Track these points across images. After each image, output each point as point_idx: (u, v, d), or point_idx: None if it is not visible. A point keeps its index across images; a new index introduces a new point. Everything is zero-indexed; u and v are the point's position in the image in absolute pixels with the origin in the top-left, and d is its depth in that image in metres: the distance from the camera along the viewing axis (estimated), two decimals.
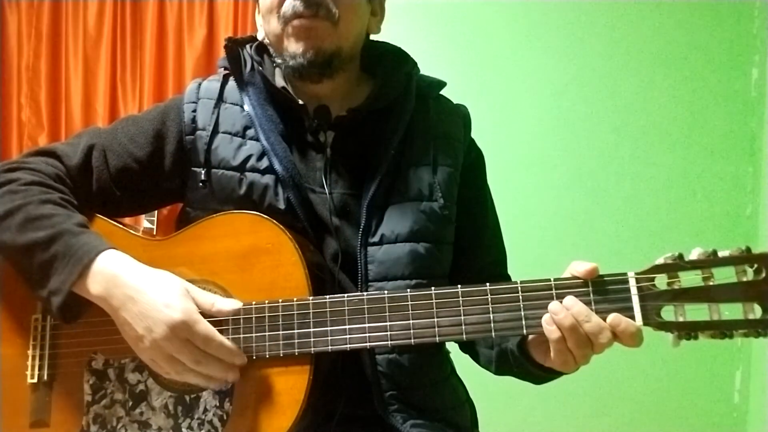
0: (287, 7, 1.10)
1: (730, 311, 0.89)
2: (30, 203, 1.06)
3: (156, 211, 2.64)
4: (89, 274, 1.00)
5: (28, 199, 1.06)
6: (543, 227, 2.53)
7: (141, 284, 0.98)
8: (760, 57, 2.42)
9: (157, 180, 1.18)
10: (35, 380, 1.08)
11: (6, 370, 1.10)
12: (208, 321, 0.99)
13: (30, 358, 1.09)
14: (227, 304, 1.01)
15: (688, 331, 0.90)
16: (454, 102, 1.29)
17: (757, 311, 0.88)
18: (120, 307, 0.99)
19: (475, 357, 1.23)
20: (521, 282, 0.97)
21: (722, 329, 0.89)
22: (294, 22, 1.10)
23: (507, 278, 1.26)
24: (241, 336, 1.01)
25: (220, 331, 1.02)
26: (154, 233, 2.62)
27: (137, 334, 0.98)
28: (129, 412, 1.05)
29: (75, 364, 1.08)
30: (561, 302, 0.94)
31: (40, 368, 1.08)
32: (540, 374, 1.06)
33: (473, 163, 1.25)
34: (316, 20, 1.10)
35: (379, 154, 1.14)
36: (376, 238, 1.11)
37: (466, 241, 1.21)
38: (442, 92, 1.28)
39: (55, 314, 1.03)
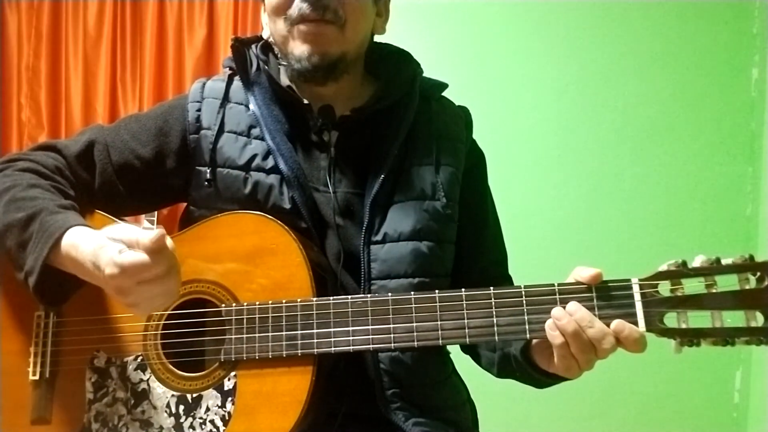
0: (294, 9, 1.10)
1: (732, 319, 0.90)
2: (17, 186, 1.06)
3: (156, 211, 2.64)
4: (60, 249, 0.97)
5: (17, 183, 1.07)
6: (543, 228, 2.53)
7: (83, 254, 0.94)
8: (760, 57, 2.42)
9: (160, 178, 1.18)
10: (37, 377, 1.08)
11: (7, 366, 1.10)
12: (208, 320, 0.99)
13: (32, 355, 1.09)
14: (148, 235, 0.90)
15: (690, 338, 0.91)
16: (456, 103, 1.29)
17: (759, 319, 0.89)
18: (87, 276, 0.96)
19: (477, 359, 1.23)
20: (525, 286, 0.97)
21: (724, 337, 0.90)
22: (301, 27, 1.11)
23: (508, 278, 1.27)
24: (244, 336, 1.02)
25: (222, 332, 1.02)
26: None
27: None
28: (131, 411, 1.06)
29: (77, 361, 1.08)
30: (564, 308, 0.94)
31: (42, 365, 1.08)
32: (543, 379, 1.07)
33: (475, 164, 1.26)
34: (323, 25, 1.10)
35: (383, 153, 1.15)
36: (379, 237, 1.12)
37: (467, 242, 1.21)
38: (443, 94, 1.28)
39: (34, 296, 1.01)
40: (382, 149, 1.15)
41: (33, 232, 1.00)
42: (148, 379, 1.06)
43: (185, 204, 1.22)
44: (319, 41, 1.11)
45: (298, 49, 1.12)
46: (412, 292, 1.01)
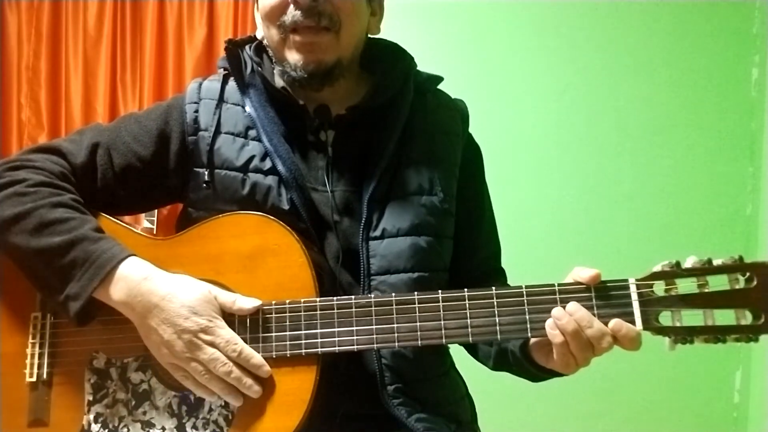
0: (288, 17, 1.10)
1: (724, 317, 0.94)
2: (42, 206, 1.05)
3: (156, 211, 2.64)
4: (112, 281, 1.01)
5: (39, 202, 1.06)
6: (542, 226, 2.53)
7: (166, 291, 1.00)
8: (760, 57, 2.42)
9: (160, 179, 1.18)
10: (34, 379, 1.08)
11: (4, 368, 1.09)
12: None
13: (29, 357, 1.08)
14: (248, 303, 1.02)
15: (684, 335, 0.94)
16: (453, 97, 1.29)
17: (748, 317, 0.93)
18: (145, 314, 1.00)
19: (473, 351, 1.24)
20: (526, 287, 0.99)
21: (715, 334, 0.94)
22: (296, 37, 1.11)
23: (501, 271, 1.29)
24: (248, 336, 1.02)
25: None
26: (155, 232, 2.63)
27: (163, 340, 0.99)
28: (132, 412, 1.05)
29: (75, 362, 1.08)
30: (564, 308, 0.96)
31: (39, 367, 1.08)
32: (539, 374, 1.08)
33: (471, 157, 1.26)
34: (318, 34, 1.11)
35: (379, 150, 1.15)
36: (377, 233, 1.12)
37: (463, 236, 1.22)
38: (440, 87, 1.28)
39: (71, 318, 1.03)
40: (379, 146, 1.16)
41: (76, 259, 1.02)
42: (149, 380, 1.06)
43: (182, 205, 1.21)
44: (314, 50, 1.11)
45: (293, 57, 1.12)
46: (416, 293, 1.01)
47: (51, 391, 1.08)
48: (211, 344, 0.98)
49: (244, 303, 1.02)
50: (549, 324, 0.96)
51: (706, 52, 2.48)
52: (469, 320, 0.99)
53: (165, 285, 1.00)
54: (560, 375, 1.05)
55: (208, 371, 0.98)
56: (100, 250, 1.02)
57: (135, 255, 1.03)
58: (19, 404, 1.08)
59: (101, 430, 1.05)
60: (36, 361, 1.08)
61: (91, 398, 1.07)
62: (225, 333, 0.99)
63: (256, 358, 1.00)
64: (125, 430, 1.05)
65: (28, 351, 1.09)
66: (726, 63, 2.46)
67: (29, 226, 1.04)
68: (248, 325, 1.02)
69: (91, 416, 1.06)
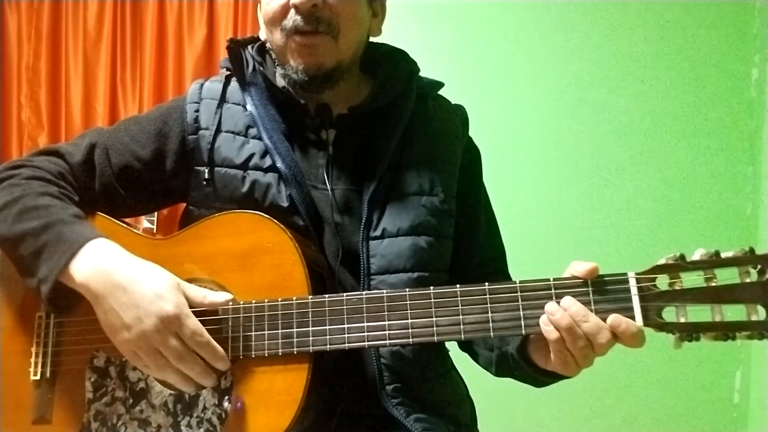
0: (288, 21, 1.11)
1: (733, 312, 0.88)
2: (27, 195, 1.07)
3: (156, 212, 2.65)
4: (76, 261, 1.00)
5: (26, 192, 1.08)
6: (542, 227, 2.53)
7: (133, 274, 0.99)
8: (760, 57, 2.42)
9: (159, 179, 1.19)
10: (38, 377, 1.09)
11: (9, 366, 1.10)
12: (204, 319, 1.00)
13: (33, 355, 1.09)
14: (218, 297, 1.02)
15: (690, 332, 0.89)
16: (453, 102, 1.30)
17: (760, 313, 0.87)
18: (107, 295, 0.99)
19: (475, 357, 1.23)
20: (520, 282, 0.96)
21: (725, 331, 0.87)
22: (296, 38, 1.12)
23: (506, 274, 1.27)
24: (241, 334, 1.02)
25: (218, 329, 1.02)
26: (154, 233, 2.63)
27: (123, 323, 0.98)
28: (129, 410, 1.06)
29: (77, 361, 1.08)
30: (558, 303, 0.93)
31: (43, 365, 1.09)
32: (540, 378, 1.06)
33: (471, 160, 1.26)
34: (317, 37, 1.11)
35: (380, 150, 1.16)
36: (377, 232, 1.12)
37: (462, 237, 1.22)
38: (441, 93, 1.29)
39: (45, 303, 1.04)
40: (380, 146, 1.16)
41: (48, 241, 1.02)
42: (146, 378, 1.06)
43: (185, 204, 1.22)
44: (314, 53, 1.12)
45: (294, 61, 1.13)
46: (407, 289, 1.00)
47: (54, 389, 1.09)
48: (176, 335, 0.97)
49: (215, 297, 1.02)
50: (543, 320, 0.93)
51: (706, 52, 2.48)
52: (461, 317, 0.97)
53: (132, 268, 1.00)
54: (563, 378, 1.02)
55: (165, 360, 0.98)
56: (70, 232, 1.02)
57: (105, 237, 1.03)
58: (23, 402, 1.09)
59: (100, 427, 1.06)
60: (40, 359, 1.09)
61: (91, 396, 1.07)
62: (192, 323, 0.98)
63: (220, 352, 0.99)
64: (123, 427, 1.05)
65: (33, 350, 1.10)
66: (726, 63, 2.46)
67: (12, 213, 1.06)
68: (241, 323, 1.02)
69: (91, 414, 1.07)
